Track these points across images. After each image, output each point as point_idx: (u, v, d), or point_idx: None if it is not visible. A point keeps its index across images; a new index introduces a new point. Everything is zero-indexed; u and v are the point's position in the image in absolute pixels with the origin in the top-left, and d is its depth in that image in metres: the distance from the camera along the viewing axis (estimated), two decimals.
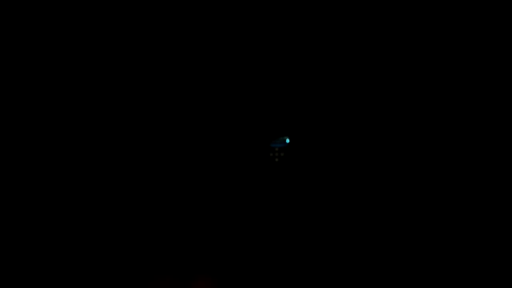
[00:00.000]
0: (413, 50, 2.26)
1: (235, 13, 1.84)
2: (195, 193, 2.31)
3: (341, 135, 2.58)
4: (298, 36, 2.11)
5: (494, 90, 2.19)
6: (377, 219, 2.45)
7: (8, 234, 1.75)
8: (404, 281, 2.29)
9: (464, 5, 2.10)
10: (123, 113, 2.08)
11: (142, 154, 2.17)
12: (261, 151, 2.38)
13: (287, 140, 2.09)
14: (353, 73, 2.34)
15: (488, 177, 2.23)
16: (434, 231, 2.36)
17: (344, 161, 2.56)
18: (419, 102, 2.45)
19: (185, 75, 2.10)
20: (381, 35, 2.19)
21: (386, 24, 2.16)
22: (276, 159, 2.44)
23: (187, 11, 1.92)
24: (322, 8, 2.00)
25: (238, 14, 1.85)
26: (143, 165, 2.16)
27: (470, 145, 2.34)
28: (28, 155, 1.77)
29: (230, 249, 2.40)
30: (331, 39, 2.17)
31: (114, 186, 2.07)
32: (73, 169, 1.94)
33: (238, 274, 2.33)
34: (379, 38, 2.20)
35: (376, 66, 2.33)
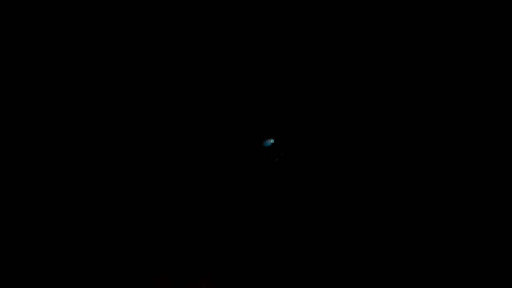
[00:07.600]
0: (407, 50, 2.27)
1: (233, 13, 1.85)
2: (195, 193, 2.31)
3: (340, 135, 2.59)
4: (294, 37, 2.11)
5: (494, 90, 2.19)
6: (376, 219, 2.46)
7: (9, 234, 1.75)
8: (404, 281, 2.29)
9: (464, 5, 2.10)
10: (122, 113, 2.09)
11: (142, 154, 2.17)
12: (261, 151, 2.39)
13: (271, 141, 2.13)
14: (349, 74, 2.35)
15: (488, 177, 2.23)
16: (434, 231, 2.36)
17: (342, 161, 2.56)
18: (416, 102, 2.45)
19: (184, 75, 2.10)
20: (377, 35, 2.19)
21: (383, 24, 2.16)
22: (276, 159, 2.44)
23: (186, 11, 1.92)
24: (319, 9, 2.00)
25: (235, 14, 1.85)
26: (143, 165, 2.17)
27: (469, 145, 2.35)
28: (29, 155, 1.77)
29: (230, 249, 2.40)
30: (326, 39, 2.17)
31: (114, 186, 2.08)
32: (74, 169, 1.94)
33: (238, 274, 2.33)
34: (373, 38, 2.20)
35: (370, 66, 2.33)
